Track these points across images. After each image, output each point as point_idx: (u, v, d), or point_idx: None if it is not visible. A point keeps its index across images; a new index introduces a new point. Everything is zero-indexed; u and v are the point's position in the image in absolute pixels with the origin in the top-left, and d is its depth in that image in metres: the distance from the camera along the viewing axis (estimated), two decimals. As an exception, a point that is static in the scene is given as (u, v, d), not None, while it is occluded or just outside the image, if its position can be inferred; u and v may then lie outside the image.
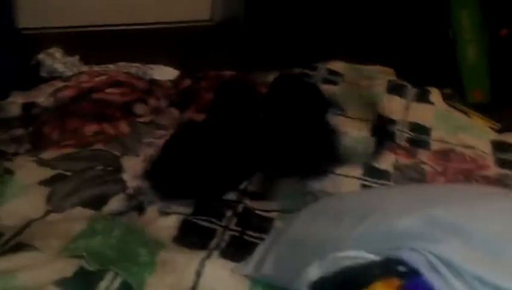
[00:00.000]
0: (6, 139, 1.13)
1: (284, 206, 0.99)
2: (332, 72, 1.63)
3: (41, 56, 1.53)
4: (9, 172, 1.02)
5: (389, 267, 0.49)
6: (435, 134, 1.33)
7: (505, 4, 1.56)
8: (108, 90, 1.28)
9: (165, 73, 1.56)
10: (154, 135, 1.21)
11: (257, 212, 0.98)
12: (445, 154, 1.24)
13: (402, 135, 1.31)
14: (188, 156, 1.02)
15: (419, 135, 1.32)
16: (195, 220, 0.94)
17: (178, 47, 1.88)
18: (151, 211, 0.95)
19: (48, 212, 0.92)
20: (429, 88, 1.53)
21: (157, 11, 2.07)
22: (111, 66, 1.58)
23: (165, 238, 0.88)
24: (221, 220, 0.95)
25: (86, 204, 0.94)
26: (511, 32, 1.55)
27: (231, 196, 1.02)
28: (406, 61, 1.66)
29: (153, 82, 1.43)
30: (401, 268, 0.48)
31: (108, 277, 0.76)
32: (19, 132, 1.15)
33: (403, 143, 1.28)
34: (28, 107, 1.22)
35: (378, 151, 1.20)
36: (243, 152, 1.06)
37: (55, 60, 1.54)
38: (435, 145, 1.27)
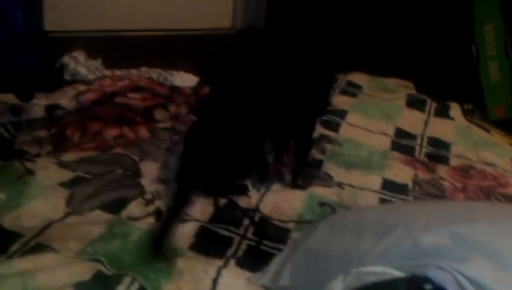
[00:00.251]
0: (29, 141, 1.15)
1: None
2: (352, 84, 1.62)
3: (65, 59, 1.56)
4: (31, 173, 1.03)
5: (415, 284, 0.48)
6: (454, 150, 1.31)
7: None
8: (130, 95, 1.30)
9: (186, 79, 1.57)
10: (173, 140, 1.22)
11: (274, 222, 0.98)
12: (465, 171, 1.22)
13: (421, 150, 1.30)
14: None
15: (439, 150, 1.30)
16: (212, 228, 0.94)
17: (199, 54, 1.90)
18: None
19: (67, 215, 0.93)
20: (449, 103, 1.52)
21: (180, 18, 2.09)
22: (133, 71, 1.61)
23: (182, 245, 0.88)
24: (238, 229, 0.95)
25: (104, 208, 0.95)
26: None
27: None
28: (428, 75, 1.65)
29: (174, 88, 1.44)
30: (428, 286, 0.47)
31: (126, 281, 0.77)
32: (42, 133, 1.17)
33: (422, 158, 1.26)
34: (51, 109, 1.24)
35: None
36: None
37: (79, 63, 1.56)
38: (454, 161, 1.26)
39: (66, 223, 0.91)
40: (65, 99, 1.26)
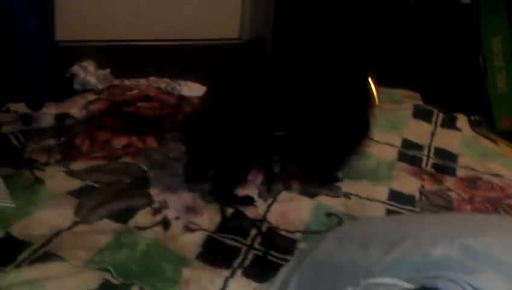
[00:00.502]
0: (39, 149, 1.16)
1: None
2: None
3: (75, 68, 1.58)
4: (40, 181, 1.04)
5: (426, 296, 0.48)
6: (461, 161, 1.31)
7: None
8: (138, 104, 1.31)
9: (193, 89, 1.59)
10: (181, 149, 1.23)
11: (281, 232, 0.98)
12: (472, 182, 1.22)
13: (428, 161, 1.30)
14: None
15: (446, 161, 1.30)
16: (219, 238, 0.94)
17: (207, 64, 1.91)
18: (176, 226, 0.96)
19: (75, 223, 0.93)
20: (456, 114, 1.52)
21: (188, 28, 2.11)
22: (141, 80, 1.62)
23: (189, 255, 0.88)
24: (245, 239, 0.95)
25: (113, 217, 0.96)
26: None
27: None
28: (435, 86, 1.65)
29: (182, 98, 1.45)
30: (438, 298, 0.47)
31: (134, 291, 0.77)
32: (51, 142, 1.19)
33: (429, 169, 1.26)
34: (61, 118, 1.25)
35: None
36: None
37: (88, 73, 1.58)
38: (461, 172, 1.25)
39: (75, 232, 0.92)
40: (75, 108, 1.27)
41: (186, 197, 1.05)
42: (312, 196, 1.11)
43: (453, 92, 1.66)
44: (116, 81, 1.55)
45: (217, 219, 1.00)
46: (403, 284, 0.51)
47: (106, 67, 1.66)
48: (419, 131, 1.42)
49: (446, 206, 1.11)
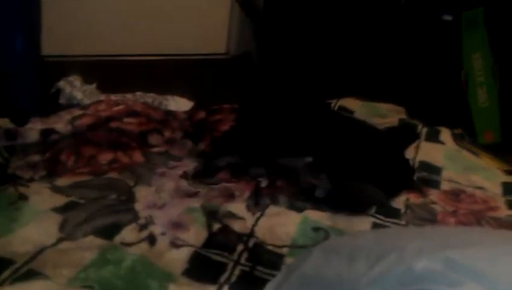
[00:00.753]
0: (23, 165, 1.15)
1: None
2: (344, 109, 1.65)
3: (61, 83, 1.57)
4: (24, 198, 1.03)
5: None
6: (445, 174, 1.33)
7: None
8: (125, 120, 1.31)
9: (180, 104, 1.59)
10: (168, 165, 1.23)
11: (268, 247, 0.98)
12: (455, 195, 1.23)
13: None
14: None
15: (430, 175, 1.32)
16: (206, 253, 0.94)
17: (194, 79, 1.92)
18: (163, 242, 0.95)
19: (60, 240, 0.92)
20: (440, 128, 1.55)
21: (175, 43, 2.12)
22: (128, 96, 1.62)
23: (175, 271, 0.88)
24: (232, 254, 0.95)
25: (98, 233, 0.95)
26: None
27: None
28: (419, 101, 1.68)
29: (169, 113, 1.45)
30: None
31: (118, 308, 0.76)
32: (36, 158, 1.17)
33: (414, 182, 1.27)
34: (46, 133, 1.24)
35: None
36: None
37: (74, 88, 1.58)
38: (445, 185, 1.27)
39: (59, 248, 0.91)
40: (60, 123, 1.27)
41: (172, 212, 1.04)
42: (299, 210, 1.11)
43: (436, 106, 1.69)
44: (103, 96, 1.54)
45: (203, 234, 0.99)
46: (386, 298, 0.52)
47: (93, 82, 1.66)
48: (404, 145, 1.44)
49: (430, 219, 1.13)
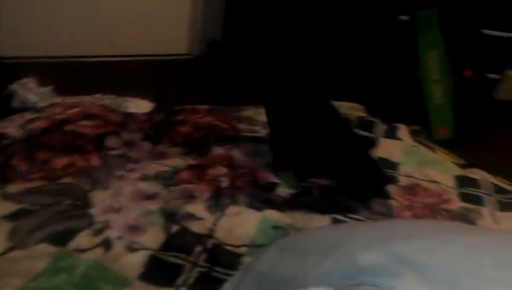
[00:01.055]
0: (-28, 172, 1.10)
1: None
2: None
3: (14, 86, 1.52)
4: (-28, 206, 0.99)
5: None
6: (402, 169, 1.36)
7: (468, 47, 1.64)
8: (81, 123, 1.28)
9: (141, 106, 1.56)
10: (126, 168, 1.20)
11: (227, 247, 0.98)
12: (411, 189, 1.26)
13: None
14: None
15: (388, 170, 1.34)
16: (163, 256, 0.92)
17: (155, 80, 1.90)
18: (119, 246, 0.94)
19: (10, 249, 0.89)
20: (397, 124, 1.58)
21: (136, 43, 2.10)
22: (86, 98, 1.58)
23: (131, 275, 0.86)
24: (190, 256, 0.94)
25: (50, 240, 0.92)
26: (474, 73, 1.63)
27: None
28: (378, 99, 1.72)
29: (128, 115, 1.43)
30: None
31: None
32: (-14, 164, 1.13)
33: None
34: (-4, 138, 1.20)
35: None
36: None
37: (29, 91, 1.52)
38: (402, 180, 1.30)
39: (9, 257, 0.87)
40: (12, 128, 1.22)
41: (129, 216, 1.02)
42: (259, 209, 1.11)
43: (395, 104, 1.73)
44: (59, 99, 1.50)
45: (161, 236, 0.98)
46: (329, 292, 0.52)
47: (50, 85, 1.61)
48: (363, 142, 1.46)
49: (387, 213, 1.15)
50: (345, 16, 1.90)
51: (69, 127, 1.25)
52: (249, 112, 1.60)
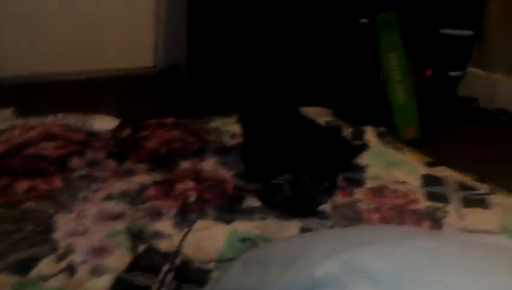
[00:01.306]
0: None
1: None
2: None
3: (-29, 110, 1.48)
4: None
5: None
6: (370, 171, 1.37)
7: (427, 47, 1.68)
8: (41, 145, 1.25)
9: (106, 123, 1.54)
10: (90, 188, 1.18)
11: (195, 264, 0.97)
12: (379, 191, 1.28)
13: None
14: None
15: (355, 173, 1.36)
16: (129, 278, 0.91)
17: (121, 94, 1.88)
18: (83, 271, 0.92)
19: (-33, 282, 0.86)
20: (364, 127, 1.60)
21: (99, 58, 2.06)
22: (48, 118, 1.55)
23: (96, 300, 0.84)
24: (157, 275, 0.92)
25: (11, 269, 0.89)
26: (435, 72, 1.66)
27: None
28: (344, 102, 1.74)
29: (91, 133, 1.40)
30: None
31: None
32: None
33: (340, 182, 1.31)
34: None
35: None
36: None
37: (-13, 114, 1.49)
38: (370, 183, 1.31)
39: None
40: (-32, 154, 1.19)
41: (94, 238, 1.01)
42: (228, 221, 1.11)
43: (361, 107, 1.76)
44: (20, 121, 1.46)
45: (127, 257, 0.96)
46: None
47: (10, 107, 1.57)
48: (330, 146, 1.47)
49: (356, 217, 1.16)
50: (309, 23, 1.93)
51: (29, 150, 1.22)
52: (216, 122, 1.60)
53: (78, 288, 0.87)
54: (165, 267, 0.94)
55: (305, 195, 1.21)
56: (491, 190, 1.32)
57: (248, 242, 1.04)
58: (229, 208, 1.16)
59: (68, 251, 0.96)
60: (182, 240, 1.03)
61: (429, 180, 1.36)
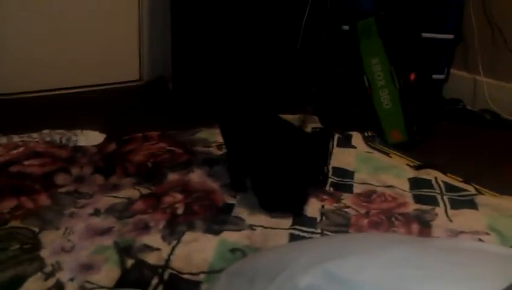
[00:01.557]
0: None
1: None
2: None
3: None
4: None
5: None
6: (357, 176, 1.38)
7: (410, 51, 1.70)
8: (26, 163, 1.24)
9: (91, 138, 1.53)
10: (77, 204, 1.17)
11: (185, 276, 0.96)
12: (367, 196, 1.28)
13: (328, 181, 1.35)
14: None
15: (343, 179, 1.36)
16: (118, 294, 0.90)
17: (107, 108, 1.87)
18: (71, 288, 0.90)
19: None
20: (351, 132, 1.61)
21: (86, 74, 2.06)
22: (34, 135, 1.54)
23: (84, 318, 0.83)
24: (147, 289, 0.91)
25: (-3, 289, 0.88)
26: (418, 76, 1.68)
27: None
28: (330, 109, 1.75)
29: (77, 149, 1.39)
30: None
31: None
32: None
33: (328, 189, 1.31)
34: None
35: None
36: None
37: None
38: (358, 188, 1.32)
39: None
40: (-48, 175, 1.17)
41: (81, 254, 0.99)
42: (216, 232, 1.10)
43: (347, 112, 1.77)
44: (4, 139, 1.45)
45: (116, 272, 0.95)
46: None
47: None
48: (317, 153, 1.48)
49: (345, 223, 1.16)
50: (291, 30, 1.94)
51: (13, 169, 1.21)
52: (202, 134, 1.59)
53: (66, 306, 0.86)
54: (155, 281, 0.93)
55: (294, 192, 1.20)
56: (478, 190, 1.33)
57: (238, 252, 1.04)
58: (217, 219, 1.15)
59: (56, 269, 0.95)
60: (171, 253, 1.02)
61: (417, 183, 1.37)
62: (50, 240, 1.04)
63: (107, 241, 1.05)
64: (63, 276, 0.93)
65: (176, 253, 1.02)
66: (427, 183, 1.37)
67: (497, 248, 0.83)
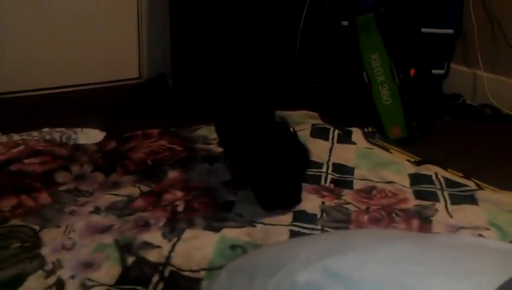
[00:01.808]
0: None
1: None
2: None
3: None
4: None
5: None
6: (357, 173, 1.38)
7: (409, 47, 1.70)
8: (26, 161, 1.24)
9: (91, 136, 1.53)
10: (77, 202, 1.17)
11: (185, 273, 0.96)
12: (367, 192, 1.28)
13: (327, 177, 1.35)
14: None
15: (343, 175, 1.36)
16: (118, 291, 0.90)
17: (107, 106, 1.87)
18: (72, 286, 0.91)
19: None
20: (351, 128, 1.61)
21: (86, 72, 2.06)
22: (34, 133, 1.54)
23: (85, 315, 0.83)
24: (147, 287, 0.92)
25: (-2, 288, 0.88)
26: (417, 71, 1.68)
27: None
28: (331, 104, 1.75)
29: (77, 147, 1.39)
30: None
31: None
32: None
33: (328, 185, 1.31)
34: None
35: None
36: None
37: (-29, 132, 1.47)
38: (358, 184, 1.32)
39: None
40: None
41: (82, 252, 1.00)
42: (217, 229, 1.10)
43: (347, 108, 1.77)
44: (4, 138, 1.45)
45: (116, 270, 0.96)
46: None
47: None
48: (317, 149, 1.48)
49: (345, 219, 1.16)
50: (292, 26, 1.94)
51: (13, 167, 1.21)
52: (203, 131, 1.59)
53: (67, 304, 0.86)
54: (155, 278, 0.94)
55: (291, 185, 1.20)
56: (478, 185, 1.33)
57: (238, 249, 1.04)
58: (217, 216, 1.15)
59: (56, 267, 0.95)
60: (171, 250, 1.02)
61: (417, 179, 1.37)
62: (50, 238, 1.04)
63: (108, 239, 1.05)
64: (64, 274, 0.93)
65: (176, 250, 1.03)
66: (427, 179, 1.37)
67: (497, 243, 0.83)
